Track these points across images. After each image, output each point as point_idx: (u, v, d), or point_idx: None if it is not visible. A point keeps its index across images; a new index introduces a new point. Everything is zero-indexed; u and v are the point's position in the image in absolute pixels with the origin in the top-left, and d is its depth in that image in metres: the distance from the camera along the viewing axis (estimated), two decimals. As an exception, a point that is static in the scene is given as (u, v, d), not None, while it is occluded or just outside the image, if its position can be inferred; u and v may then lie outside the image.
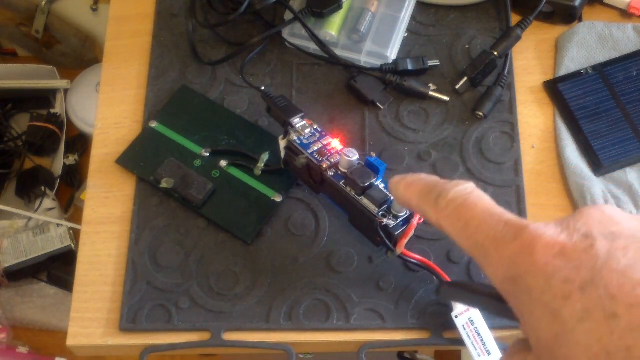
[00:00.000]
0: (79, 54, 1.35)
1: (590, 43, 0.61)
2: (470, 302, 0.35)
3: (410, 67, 0.60)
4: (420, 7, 0.64)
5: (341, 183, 0.50)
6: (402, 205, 0.43)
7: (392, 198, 0.48)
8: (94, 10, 1.30)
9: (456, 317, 0.50)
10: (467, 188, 0.33)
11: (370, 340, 0.51)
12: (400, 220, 0.48)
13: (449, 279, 0.50)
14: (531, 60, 0.62)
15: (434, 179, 0.37)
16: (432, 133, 0.58)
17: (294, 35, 0.61)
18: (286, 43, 0.62)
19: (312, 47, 0.61)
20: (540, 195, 0.56)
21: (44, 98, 1.34)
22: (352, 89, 0.60)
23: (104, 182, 0.58)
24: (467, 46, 0.62)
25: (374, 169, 0.49)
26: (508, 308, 0.30)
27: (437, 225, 0.35)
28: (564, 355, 0.25)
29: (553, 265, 0.27)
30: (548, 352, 0.26)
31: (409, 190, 0.38)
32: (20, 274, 1.20)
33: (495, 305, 0.33)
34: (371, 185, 0.49)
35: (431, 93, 0.59)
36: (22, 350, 1.17)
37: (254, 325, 0.52)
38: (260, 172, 0.56)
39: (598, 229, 0.27)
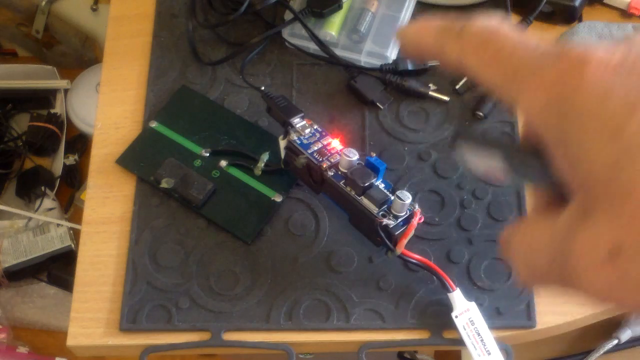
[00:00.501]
0: (79, 54, 1.35)
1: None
2: (491, 152, 0.28)
3: (410, 67, 0.60)
4: (420, 7, 0.64)
5: (341, 183, 0.50)
6: (413, 52, 0.33)
7: (392, 198, 0.48)
8: (94, 10, 1.30)
9: (456, 317, 0.50)
10: (497, 17, 0.28)
11: (370, 340, 0.51)
12: (400, 220, 0.48)
13: (449, 279, 0.50)
14: (531, 60, 0.62)
15: (451, 18, 0.31)
16: (432, 133, 0.58)
17: (294, 35, 0.61)
18: (286, 43, 0.62)
19: (312, 47, 0.61)
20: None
21: (44, 98, 1.34)
22: (352, 89, 0.60)
23: (104, 182, 0.58)
24: (467, 46, 0.62)
25: (374, 169, 0.49)
26: (535, 157, 0.25)
27: (457, 60, 0.29)
28: (626, 181, 0.20)
29: (610, 81, 0.22)
30: (603, 183, 0.21)
31: (424, 30, 0.31)
32: (20, 274, 1.20)
33: (520, 155, 0.27)
34: (371, 185, 0.49)
35: (431, 93, 0.59)
36: (22, 350, 1.17)
37: (254, 325, 0.52)
38: (260, 172, 0.56)
39: None
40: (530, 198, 0.56)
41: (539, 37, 0.25)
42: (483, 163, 0.29)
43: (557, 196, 0.25)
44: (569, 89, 0.22)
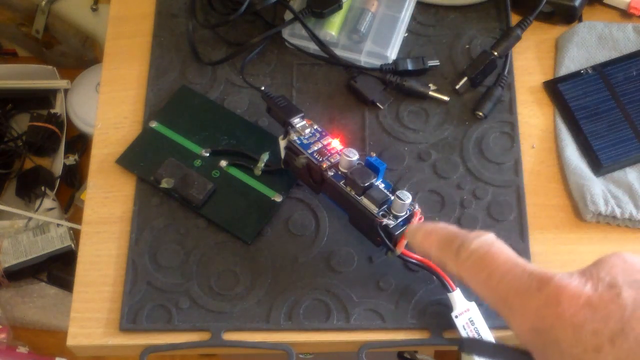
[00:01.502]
0: (79, 54, 1.35)
1: (590, 43, 0.61)
2: (495, 355, 0.35)
3: (410, 67, 0.60)
4: (420, 7, 0.64)
5: (341, 183, 0.50)
6: (420, 254, 0.44)
7: (392, 198, 0.48)
8: (94, 10, 1.30)
9: (456, 317, 0.50)
10: (489, 239, 0.33)
11: (370, 340, 0.51)
12: (400, 220, 0.48)
13: (449, 279, 0.50)
14: (531, 60, 0.62)
15: (453, 229, 0.36)
16: (432, 133, 0.58)
17: (294, 35, 0.61)
18: (286, 43, 0.62)
19: (312, 47, 0.61)
20: (540, 195, 0.56)
21: (44, 98, 1.34)
22: (352, 89, 0.60)
23: (104, 182, 0.58)
24: (467, 46, 0.62)
25: (374, 169, 0.49)
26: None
27: (457, 277, 0.34)
28: None
29: (581, 317, 0.26)
30: None
31: (428, 240, 0.37)
32: (20, 274, 1.20)
33: (522, 358, 0.32)
34: (371, 185, 0.49)
35: (431, 93, 0.59)
36: (22, 350, 1.17)
37: (254, 325, 0.52)
38: (260, 172, 0.56)
39: (622, 277, 0.27)
40: (530, 197, 0.56)
41: (523, 261, 0.32)
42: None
43: None
44: (548, 323, 0.28)
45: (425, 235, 0.38)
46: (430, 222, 0.39)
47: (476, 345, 0.36)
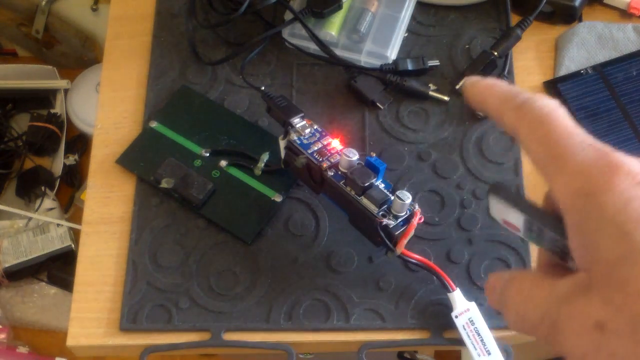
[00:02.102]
0: (79, 54, 1.35)
1: (590, 43, 0.61)
2: (516, 212, 0.33)
3: (410, 67, 0.60)
4: (420, 7, 0.64)
5: (341, 183, 0.50)
6: (475, 105, 0.38)
7: (392, 198, 0.48)
8: (94, 10, 1.30)
9: (456, 317, 0.50)
10: (556, 102, 0.33)
11: (370, 340, 0.51)
12: (400, 220, 0.48)
13: (449, 279, 0.50)
14: (531, 60, 0.62)
15: (517, 87, 0.35)
16: (432, 133, 0.58)
17: (294, 35, 0.61)
18: (286, 43, 0.62)
19: (312, 47, 0.61)
20: (540, 195, 0.56)
21: (44, 98, 1.34)
22: (352, 89, 0.60)
23: (104, 182, 0.58)
24: (467, 46, 0.62)
25: (374, 169, 0.49)
26: (551, 227, 0.29)
27: (511, 129, 0.33)
28: (625, 276, 0.25)
29: (633, 192, 0.26)
30: (606, 271, 0.25)
31: (490, 90, 0.35)
32: (20, 274, 1.20)
33: (539, 224, 0.31)
34: (371, 185, 0.49)
35: (431, 93, 0.59)
36: (22, 350, 1.17)
37: (254, 325, 0.52)
38: (260, 172, 0.56)
39: None
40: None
41: (585, 132, 0.31)
42: (506, 217, 0.33)
43: (560, 263, 0.30)
44: (596, 188, 0.27)
45: (487, 86, 0.36)
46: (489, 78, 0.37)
47: (504, 197, 0.34)
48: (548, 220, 0.31)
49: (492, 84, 0.35)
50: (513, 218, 0.33)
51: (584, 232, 0.27)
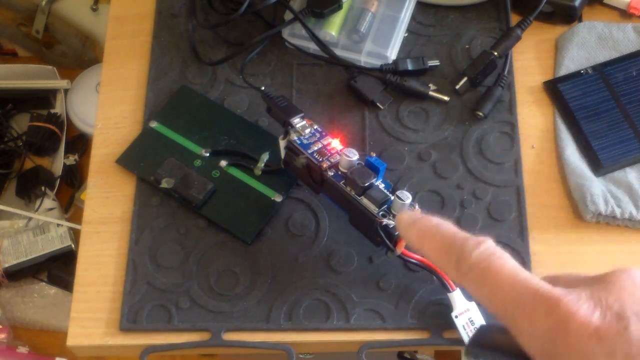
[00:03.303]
0: (79, 54, 1.35)
1: (590, 43, 0.61)
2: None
3: (410, 67, 0.60)
4: (420, 7, 0.64)
5: (341, 183, 0.50)
6: (414, 251, 0.41)
7: (392, 198, 0.48)
8: (94, 10, 1.30)
9: (456, 317, 0.50)
10: (489, 248, 0.33)
11: (370, 340, 0.51)
12: (400, 220, 0.48)
13: (449, 280, 0.50)
14: (531, 60, 0.62)
15: (448, 232, 0.35)
16: (432, 133, 0.58)
17: (294, 35, 0.61)
18: (286, 43, 0.62)
19: (312, 47, 0.61)
20: (540, 195, 0.56)
21: (44, 98, 1.34)
22: (352, 89, 0.60)
23: (104, 182, 0.58)
24: (467, 46, 0.62)
25: (374, 169, 0.49)
26: None
27: (458, 284, 0.35)
28: None
29: (589, 349, 0.27)
30: None
31: (425, 243, 0.36)
32: (20, 274, 1.20)
33: None
34: (371, 185, 0.49)
35: (431, 93, 0.59)
36: (22, 350, 1.17)
37: (254, 325, 0.52)
38: (260, 172, 0.56)
39: (631, 307, 0.27)
40: (530, 197, 0.56)
41: (526, 274, 0.31)
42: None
43: None
44: (557, 349, 0.28)
45: (420, 236, 0.36)
46: (422, 215, 0.37)
47: (483, 352, 0.34)
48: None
49: (423, 232, 0.36)
50: None
51: None
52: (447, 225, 0.37)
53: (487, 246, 0.33)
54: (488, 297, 0.31)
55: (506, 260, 0.32)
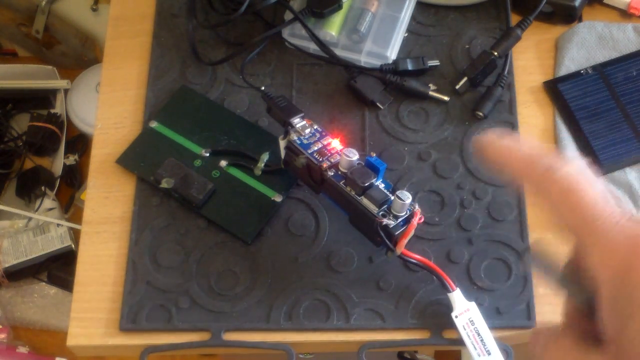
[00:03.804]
0: (79, 54, 1.35)
1: (590, 43, 0.61)
2: (551, 272, 0.34)
3: (410, 67, 0.60)
4: (420, 7, 0.64)
5: (341, 183, 0.50)
6: (490, 165, 0.36)
7: (392, 198, 0.48)
8: (94, 10, 1.29)
9: (456, 317, 0.50)
10: (580, 166, 0.31)
11: (370, 340, 0.51)
12: (400, 220, 0.48)
13: (449, 279, 0.50)
14: (531, 60, 0.62)
15: (537, 146, 0.34)
16: (432, 133, 0.58)
17: (294, 35, 0.61)
18: (286, 43, 0.62)
19: (312, 47, 0.61)
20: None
21: (44, 98, 1.34)
22: (352, 89, 0.60)
23: (104, 182, 0.58)
24: (467, 46, 0.62)
25: (374, 169, 0.49)
26: (587, 292, 0.29)
27: (537, 194, 0.32)
28: None
29: None
30: (636, 351, 0.26)
31: (511, 153, 0.34)
32: (20, 274, 1.20)
33: (581, 291, 0.32)
34: (371, 185, 0.49)
35: (431, 93, 0.59)
36: (22, 350, 1.17)
37: (254, 325, 0.52)
38: (260, 172, 0.56)
39: None
40: (530, 197, 0.56)
41: (615, 197, 0.30)
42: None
43: (587, 316, 0.31)
44: (632, 269, 0.27)
45: (508, 147, 0.34)
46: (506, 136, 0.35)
47: (542, 262, 0.34)
48: (579, 290, 0.31)
49: (511, 146, 0.34)
50: (548, 276, 0.34)
51: (618, 309, 0.27)
52: (532, 141, 0.36)
53: (580, 164, 0.32)
54: (570, 211, 0.30)
55: (597, 182, 0.31)
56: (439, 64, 0.61)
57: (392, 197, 0.48)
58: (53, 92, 1.34)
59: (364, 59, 0.60)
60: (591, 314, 0.30)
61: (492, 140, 0.35)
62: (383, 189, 0.49)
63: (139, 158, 0.58)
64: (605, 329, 0.28)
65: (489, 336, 0.49)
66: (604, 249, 0.29)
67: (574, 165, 0.32)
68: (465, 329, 0.49)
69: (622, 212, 0.29)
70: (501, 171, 0.34)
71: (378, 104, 0.59)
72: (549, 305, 0.52)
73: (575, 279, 0.32)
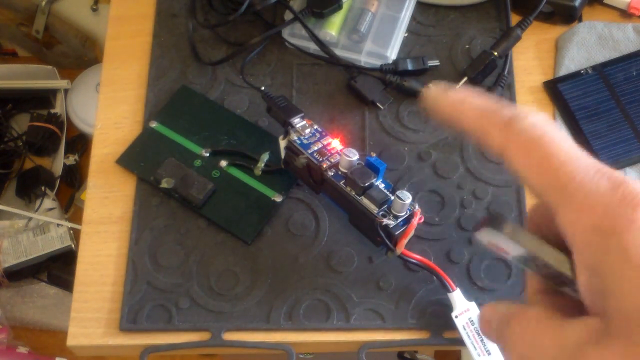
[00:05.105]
0: (79, 54, 1.35)
1: (590, 43, 0.61)
2: (523, 245, 0.29)
3: (410, 67, 0.60)
4: (420, 7, 0.64)
5: (341, 183, 0.50)
6: (441, 120, 0.32)
7: (392, 198, 0.48)
8: (94, 10, 1.30)
9: (456, 317, 0.50)
10: (546, 119, 0.27)
11: (370, 340, 0.51)
12: (400, 220, 0.48)
13: (449, 279, 0.50)
14: (531, 60, 0.62)
15: (493, 98, 0.30)
16: (432, 133, 0.58)
17: (294, 35, 0.61)
18: (286, 43, 0.62)
19: (312, 47, 0.61)
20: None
21: (44, 98, 1.34)
22: (352, 89, 0.60)
23: (104, 182, 0.58)
24: (467, 46, 0.62)
25: (374, 169, 0.49)
26: (565, 259, 0.26)
27: (498, 152, 0.28)
28: None
29: None
30: (628, 322, 0.23)
31: (465, 104, 0.30)
32: (20, 274, 1.20)
33: (553, 255, 0.27)
34: (371, 185, 0.49)
35: (431, 93, 0.59)
36: (22, 350, 1.17)
37: (254, 325, 0.52)
38: (260, 172, 0.56)
39: None
40: (530, 197, 0.56)
41: (585, 153, 0.26)
42: (497, 243, 0.29)
43: (556, 289, 0.27)
44: (616, 226, 0.24)
45: (460, 98, 0.30)
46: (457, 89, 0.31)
47: (494, 233, 0.29)
48: (553, 256, 0.27)
49: (465, 96, 0.30)
50: (507, 246, 0.29)
51: (600, 275, 0.24)
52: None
53: (545, 116, 0.28)
54: (537, 166, 0.27)
55: (565, 136, 0.27)
56: (439, 64, 0.61)
57: (392, 197, 0.48)
58: (53, 92, 1.34)
59: (364, 59, 0.60)
60: (561, 285, 0.27)
61: (443, 91, 0.31)
62: (383, 189, 0.49)
63: (139, 158, 0.58)
64: (585, 299, 0.25)
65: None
66: (578, 207, 0.25)
67: (539, 116, 0.28)
68: (465, 329, 0.49)
69: (599, 167, 0.26)
70: (453, 126, 0.30)
71: (378, 104, 0.59)
72: (549, 305, 0.52)
73: (542, 249, 0.28)
